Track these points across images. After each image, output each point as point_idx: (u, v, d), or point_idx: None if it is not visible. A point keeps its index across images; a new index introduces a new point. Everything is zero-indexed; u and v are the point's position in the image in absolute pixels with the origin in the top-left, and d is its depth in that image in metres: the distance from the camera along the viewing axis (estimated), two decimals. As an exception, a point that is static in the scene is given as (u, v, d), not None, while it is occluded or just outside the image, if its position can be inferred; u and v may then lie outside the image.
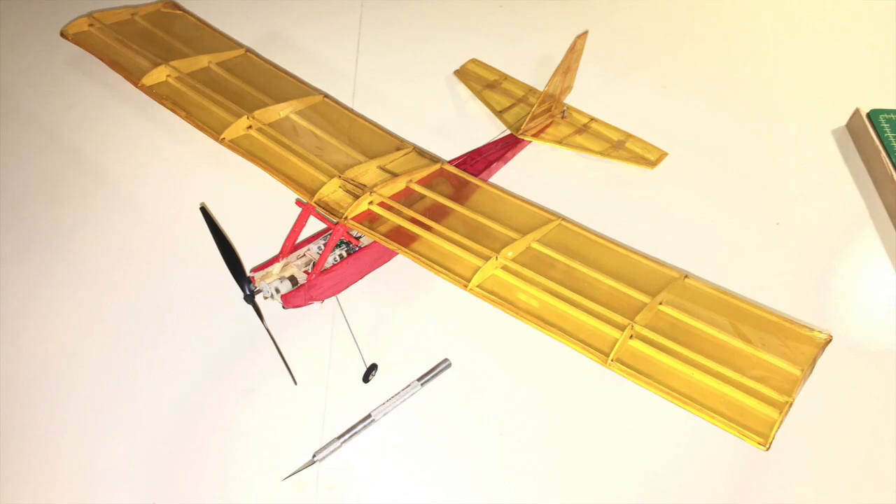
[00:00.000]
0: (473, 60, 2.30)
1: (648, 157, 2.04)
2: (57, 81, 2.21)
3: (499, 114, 2.10)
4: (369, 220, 1.45)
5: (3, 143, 2.02)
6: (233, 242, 1.45)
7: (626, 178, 2.03)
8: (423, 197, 1.53)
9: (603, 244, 1.45)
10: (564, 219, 1.50)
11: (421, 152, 1.68)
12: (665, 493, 1.39)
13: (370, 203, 1.47)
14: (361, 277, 1.62)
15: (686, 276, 1.38)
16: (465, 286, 1.30)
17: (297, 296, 1.47)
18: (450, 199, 1.51)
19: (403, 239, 1.40)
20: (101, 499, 1.34)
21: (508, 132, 2.01)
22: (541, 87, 2.05)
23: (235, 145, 1.58)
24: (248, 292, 1.42)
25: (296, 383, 1.49)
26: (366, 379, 1.52)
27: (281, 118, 1.69)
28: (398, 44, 2.44)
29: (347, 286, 1.59)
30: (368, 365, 1.52)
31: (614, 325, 1.23)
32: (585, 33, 1.97)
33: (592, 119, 2.11)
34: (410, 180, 1.55)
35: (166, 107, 1.69)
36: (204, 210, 1.48)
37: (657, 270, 1.40)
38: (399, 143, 1.70)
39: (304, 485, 1.37)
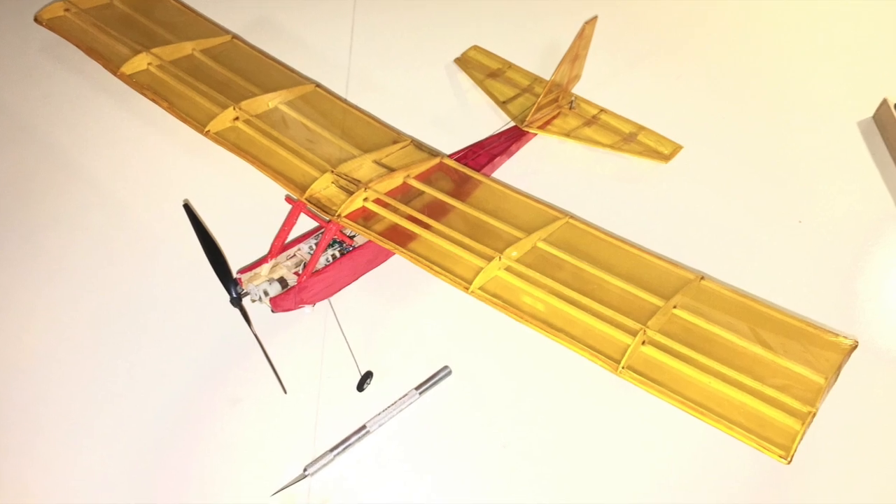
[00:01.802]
0: (475, 47, 2.30)
1: (662, 150, 2.04)
2: (30, 70, 2.21)
3: (502, 104, 2.10)
4: (364, 217, 1.45)
5: (-26, 136, 2.02)
6: (218, 242, 1.46)
7: (638, 172, 2.03)
8: (421, 193, 1.53)
9: (613, 244, 1.45)
10: (572, 216, 1.50)
11: (419, 145, 1.68)
12: (680, 509, 1.39)
13: (365, 200, 1.47)
14: (356, 279, 1.62)
15: (702, 278, 1.38)
16: (467, 288, 1.30)
17: (286, 299, 1.48)
18: (450, 196, 1.51)
19: (400, 238, 1.40)
20: (78, 515, 1.34)
21: (513, 124, 2.01)
22: (547, 76, 2.05)
23: (221, 138, 1.58)
24: (234, 295, 1.42)
25: (286, 392, 1.49)
26: (360, 387, 1.52)
27: (269, 109, 1.69)
28: (395, 29, 2.44)
29: (341, 288, 1.59)
30: (363, 372, 1.52)
31: (625, 330, 1.23)
32: (595, 18, 1.97)
33: (602, 110, 2.11)
34: (408, 175, 1.55)
35: (147, 97, 1.69)
36: (187, 207, 1.48)
37: (671, 272, 1.40)
38: (396, 136, 1.70)
39: (295, 500, 1.37)
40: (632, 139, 2.05)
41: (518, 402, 1.53)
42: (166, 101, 1.66)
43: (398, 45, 2.39)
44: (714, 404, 1.14)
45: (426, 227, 1.41)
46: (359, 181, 1.49)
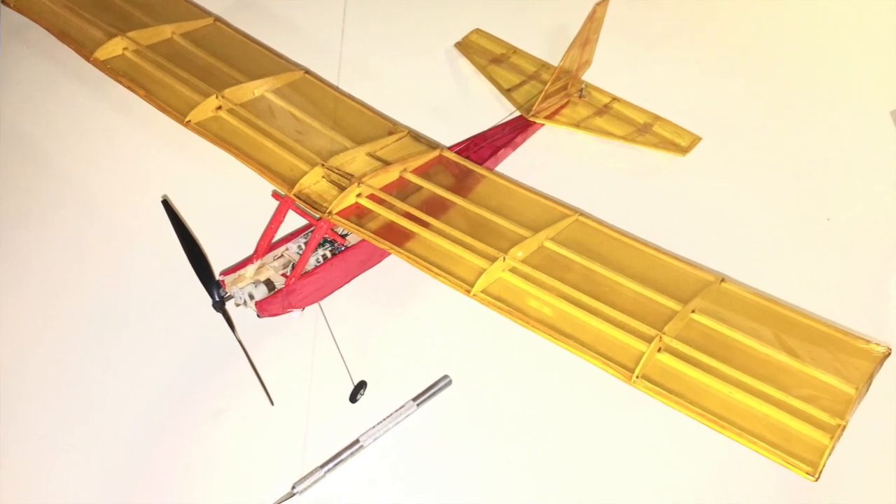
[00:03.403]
0: (477, 31, 2.32)
1: (679, 142, 2.05)
2: (-3, 55, 2.23)
3: (507, 92, 2.13)
4: (357, 215, 1.47)
5: (-64, 127, 2.04)
6: (200, 241, 1.47)
7: (654, 166, 2.05)
8: (419, 188, 1.55)
9: (627, 243, 1.46)
10: (582, 214, 1.51)
11: (417, 137, 1.70)
12: (698, 529, 1.40)
13: (358, 196, 1.49)
14: (348, 281, 1.64)
15: (722, 280, 1.39)
16: (468, 291, 1.31)
17: (273, 302, 1.50)
18: (450, 191, 1.53)
19: (397, 237, 1.41)
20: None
21: (518, 114, 2.04)
22: (555, 62, 2.07)
23: (203, 129, 1.61)
24: (217, 298, 1.44)
25: (272, 403, 1.50)
26: (353, 398, 1.54)
27: (255, 97, 1.71)
28: (391, 11, 2.46)
29: (332, 291, 1.61)
30: (356, 382, 1.54)
31: (640, 337, 1.24)
32: (607, 0, 1.99)
33: (615, 98, 2.13)
34: (405, 169, 1.58)
35: (123, 84, 1.71)
36: (166, 203, 1.50)
37: (689, 273, 1.41)
38: (391, 127, 1.72)
39: (282, 520, 1.38)
40: (647, 130, 2.07)
41: (523, 413, 1.54)
42: (143, 89, 1.68)
43: (394, 28, 2.41)
44: (735, 416, 1.15)
45: (424, 225, 1.43)
46: (351, 175, 1.51)
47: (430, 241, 1.40)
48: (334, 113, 1.74)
